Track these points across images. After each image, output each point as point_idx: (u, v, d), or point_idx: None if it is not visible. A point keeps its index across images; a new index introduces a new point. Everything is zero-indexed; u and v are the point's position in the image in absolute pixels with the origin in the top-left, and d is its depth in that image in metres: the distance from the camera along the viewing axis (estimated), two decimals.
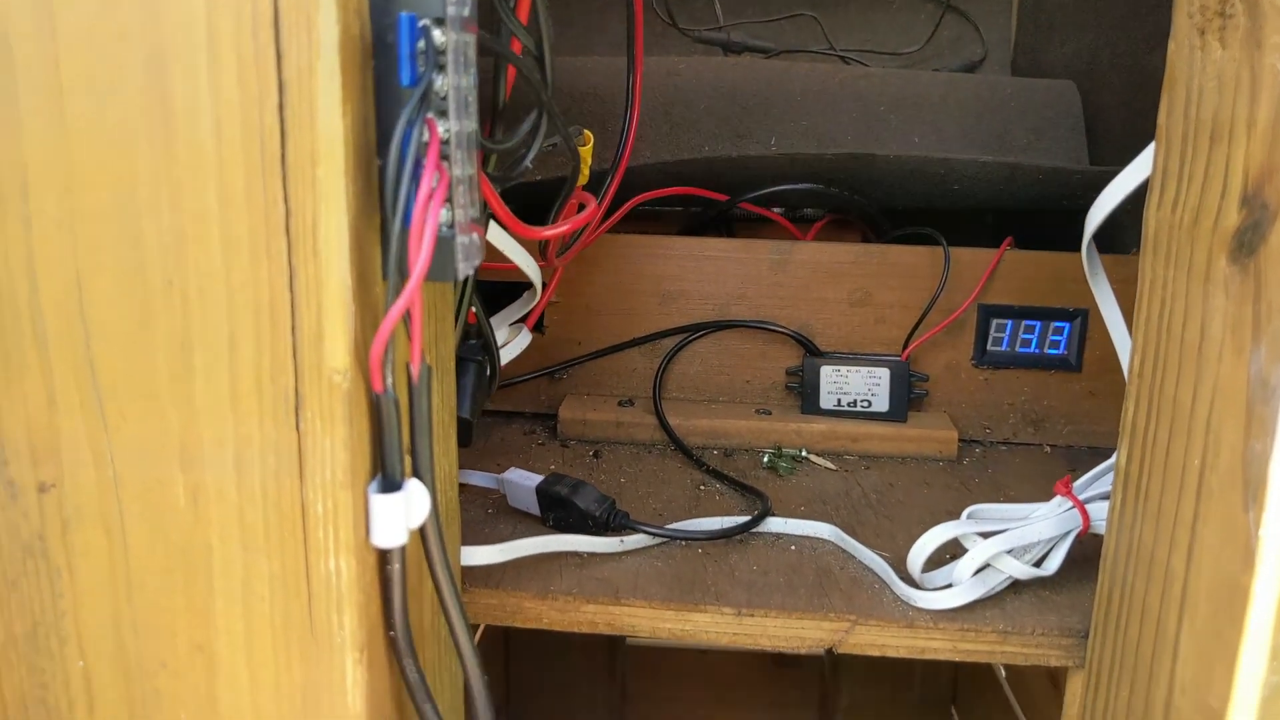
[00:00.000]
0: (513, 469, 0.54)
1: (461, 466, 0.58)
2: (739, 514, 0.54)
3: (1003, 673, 0.85)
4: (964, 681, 0.96)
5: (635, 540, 0.51)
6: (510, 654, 1.00)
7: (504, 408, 0.68)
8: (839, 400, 0.66)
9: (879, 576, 0.49)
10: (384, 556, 0.33)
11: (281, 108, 0.29)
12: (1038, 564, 0.47)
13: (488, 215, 0.41)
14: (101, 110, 0.29)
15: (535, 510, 0.53)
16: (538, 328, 0.67)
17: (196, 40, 0.28)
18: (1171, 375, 0.37)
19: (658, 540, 0.51)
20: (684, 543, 0.52)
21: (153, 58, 0.29)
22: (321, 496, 0.31)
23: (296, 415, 0.31)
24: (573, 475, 0.53)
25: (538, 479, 0.53)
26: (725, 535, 0.52)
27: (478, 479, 0.56)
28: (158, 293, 0.30)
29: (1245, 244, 0.32)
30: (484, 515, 0.55)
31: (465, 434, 0.46)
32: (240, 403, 0.31)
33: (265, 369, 0.30)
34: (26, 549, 0.32)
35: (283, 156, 0.29)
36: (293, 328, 0.30)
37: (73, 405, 0.31)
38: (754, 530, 0.53)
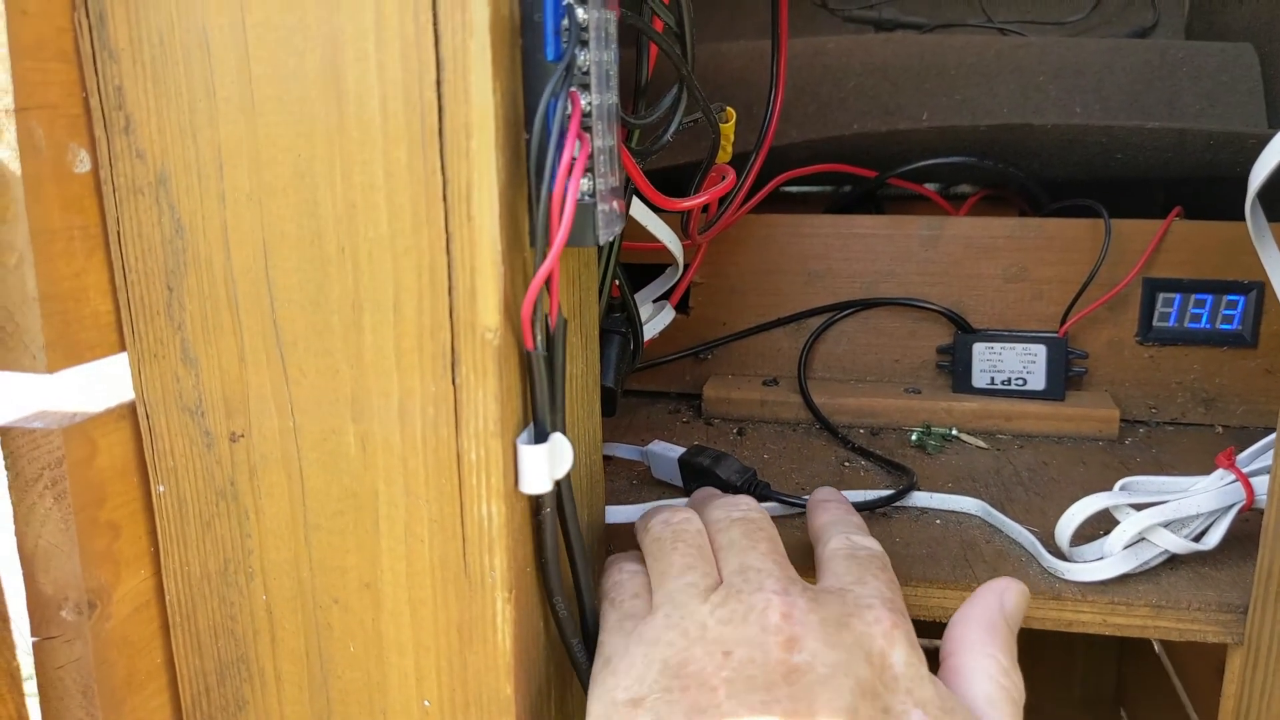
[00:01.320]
0: (656, 441, 0.58)
1: (608, 440, 0.62)
2: (883, 490, 0.55)
3: (1169, 665, 0.83)
4: (1130, 678, 0.94)
5: (768, 509, 0.53)
6: None
7: (650, 387, 0.71)
8: (992, 379, 0.67)
9: (1026, 551, 0.50)
10: (537, 502, 0.37)
11: (439, 84, 0.32)
12: (1197, 539, 0.47)
13: (630, 189, 0.44)
14: (284, 93, 0.33)
15: (678, 481, 0.56)
16: (683, 308, 0.70)
17: (365, 24, 0.32)
18: None
19: (792, 511, 0.53)
20: None
21: (328, 42, 0.33)
22: (475, 445, 0.35)
23: (453, 370, 0.34)
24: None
25: (680, 450, 0.55)
26: (868, 508, 0.53)
27: (623, 451, 0.59)
28: (332, 258, 0.34)
29: None
30: (628, 486, 0.58)
31: (610, 403, 0.49)
32: (403, 358, 0.35)
33: (426, 327, 0.34)
34: (220, 493, 0.37)
35: (440, 130, 0.33)
36: (449, 288, 0.34)
37: (260, 361, 0.36)
38: (899, 505, 0.54)
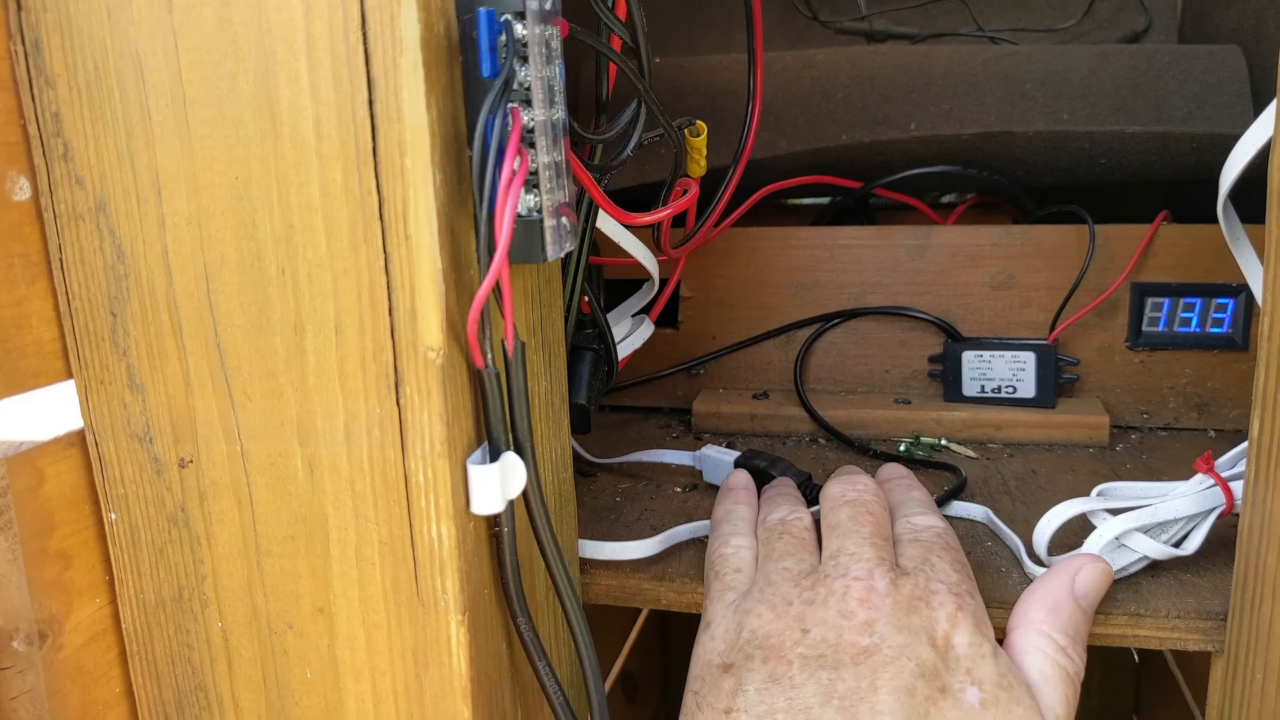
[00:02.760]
0: (709, 445, 0.57)
1: (597, 457, 0.60)
2: None
3: (1181, 679, 0.80)
4: (1146, 691, 0.91)
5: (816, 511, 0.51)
6: (669, 652, 1.01)
7: (641, 403, 0.70)
8: (982, 387, 0.64)
9: (1008, 560, 0.48)
10: (493, 520, 0.35)
11: (371, 103, 0.31)
12: (1176, 545, 0.45)
13: (593, 207, 0.43)
14: (219, 116, 0.32)
15: None
16: (672, 322, 0.68)
17: (296, 45, 0.31)
18: None
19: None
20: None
21: (260, 64, 0.32)
22: (422, 467, 0.33)
23: (396, 391, 0.33)
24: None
25: (734, 454, 0.54)
26: None
27: (673, 456, 0.58)
28: (273, 281, 0.33)
29: None
30: (680, 492, 0.57)
31: (583, 420, 0.47)
32: (347, 380, 0.33)
33: (368, 348, 0.33)
34: (171, 519, 0.36)
35: (374, 149, 0.31)
36: (390, 309, 0.32)
37: (205, 387, 0.34)
38: None
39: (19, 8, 0.33)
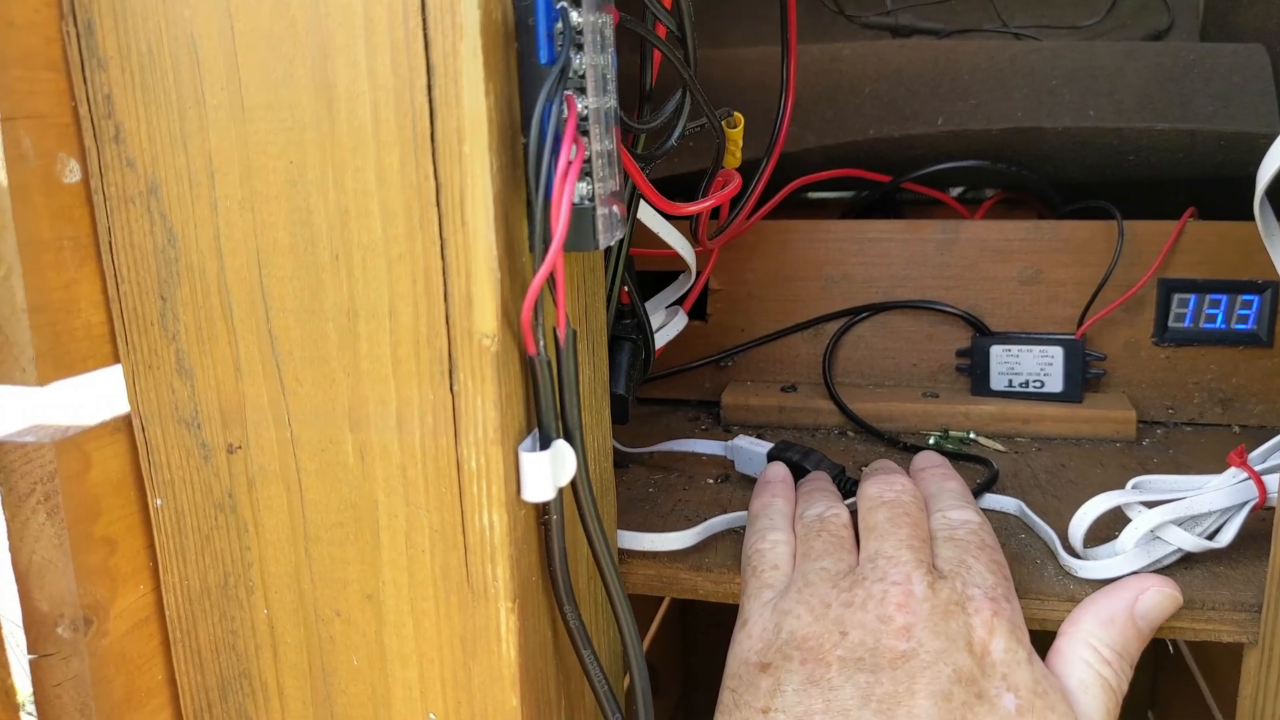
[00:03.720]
0: (741, 436, 0.56)
1: (628, 446, 0.59)
2: None
3: (1198, 673, 0.79)
4: (1163, 685, 0.90)
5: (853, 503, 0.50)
6: (690, 646, 1.00)
7: (670, 395, 0.69)
8: (1010, 381, 0.63)
9: (1042, 553, 0.47)
10: (542, 508, 0.35)
11: (430, 89, 0.30)
12: (1210, 537, 0.44)
13: (636, 194, 0.42)
14: (275, 100, 0.31)
15: None
16: (701, 315, 0.67)
17: (355, 30, 0.30)
18: None
19: None
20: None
21: (318, 49, 0.31)
22: (475, 454, 0.33)
23: (450, 377, 0.32)
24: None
25: (767, 445, 0.54)
26: None
27: (705, 446, 0.57)
28: (326, 266, 0.32)
29: None
30: (713, 483, 0.56)
31: (621, 410, 0.47)
32: (400, 366, 0.32)
33: (422, 334, 0.32)
34: (218, 505, 0.35)
35: (432, 135, 0.31)
36: (445, 295, 0.32)
37: (256, 372, 0.34)
38: None
39: None
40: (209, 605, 0.36)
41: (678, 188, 0.71)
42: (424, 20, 0.30)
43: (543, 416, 0.34)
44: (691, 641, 0.99)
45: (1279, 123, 0.71)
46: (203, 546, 0.35)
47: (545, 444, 0.34)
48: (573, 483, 0.35)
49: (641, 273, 0.61)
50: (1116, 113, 0.72)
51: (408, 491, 0.33)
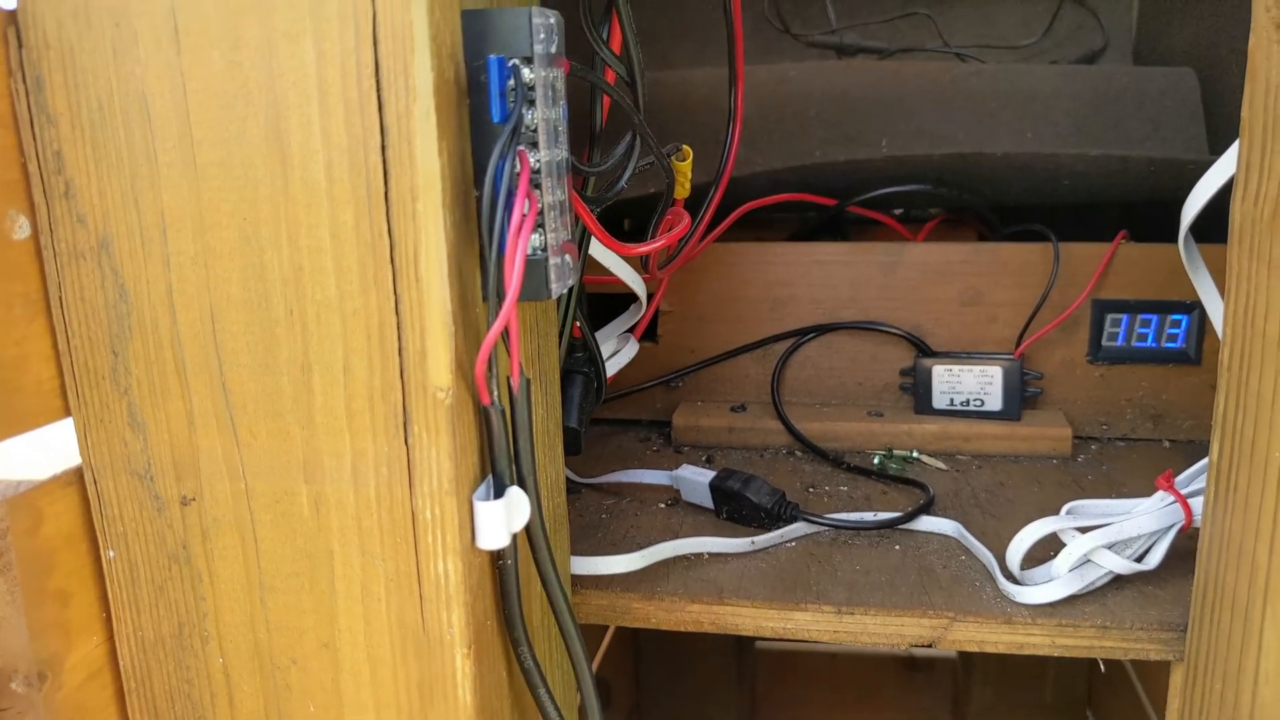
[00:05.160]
0: (685, 465, 0.57)
1: (579, 474, 0.60)
2: (846, 513, 0.54)
3: (1133, 672, 0.82)
4: (1098, 683, 0.93)
5: (766, 539, 0.51)
6: (640, 659, 1.01)
7: (621, 416, 0.69)
8: (951, 400, 0.65)
9: (981, 574, 0.48)
10: (497, 554, 0.35)
11: (384, 149, 0.30)
12: (1139, 559, 0.46)
13: (586, 235, 0.43)
14: (228, 158, 0.31)
15: (709, 504, 0.54)
16: (651, 336, 0.68)
17: (308, 91, 0.30)
18: (1255, 368, 0.36)
19: (818, 530, 0.52)
20: (792, 544, 0.52)
21: (271, 108, 0.31)
22: (429, 504, 0.33)
23: (405, 430, 0.32)
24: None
25: (710, 474, 0.54)
26: (889, 525, 0.53)
27: (651, 477, 0.58)
28: (280, 321, 0.32)
29: None
30: (661, 509, 0.56)
31: (574, 442, 0.47)
32: (355, 419, 0.33)
33: (376, 388, 0.32)
34: (172, 556, 0.35)
35: (386, 193, 0.31)
36: (399, 349, 0.32)
37: (209, 425, 0.33)
38: (860, 530, 0.53)
39: (20, 44, 0.31)
40: (164, 655, 0.36)
41: (625, 210, 0.71)
42: (377, 82, 0.30)
43: (496, 464, 0.34)
44: (642, 653, 1.00)
45: (1206, 146, 0.73)
46: (156, 597, 0.35)
47: (499, 491, 0.34)
48: (527, 526, 0.35)
49: (591, 296, 0.61)
50: (1053, 136, 0.74)
51: (363, 541, 0.34)
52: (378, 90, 0.30)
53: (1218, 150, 0.73)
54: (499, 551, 0.35)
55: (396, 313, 0.32)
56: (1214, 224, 0.46)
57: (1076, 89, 0.75)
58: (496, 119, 0.32)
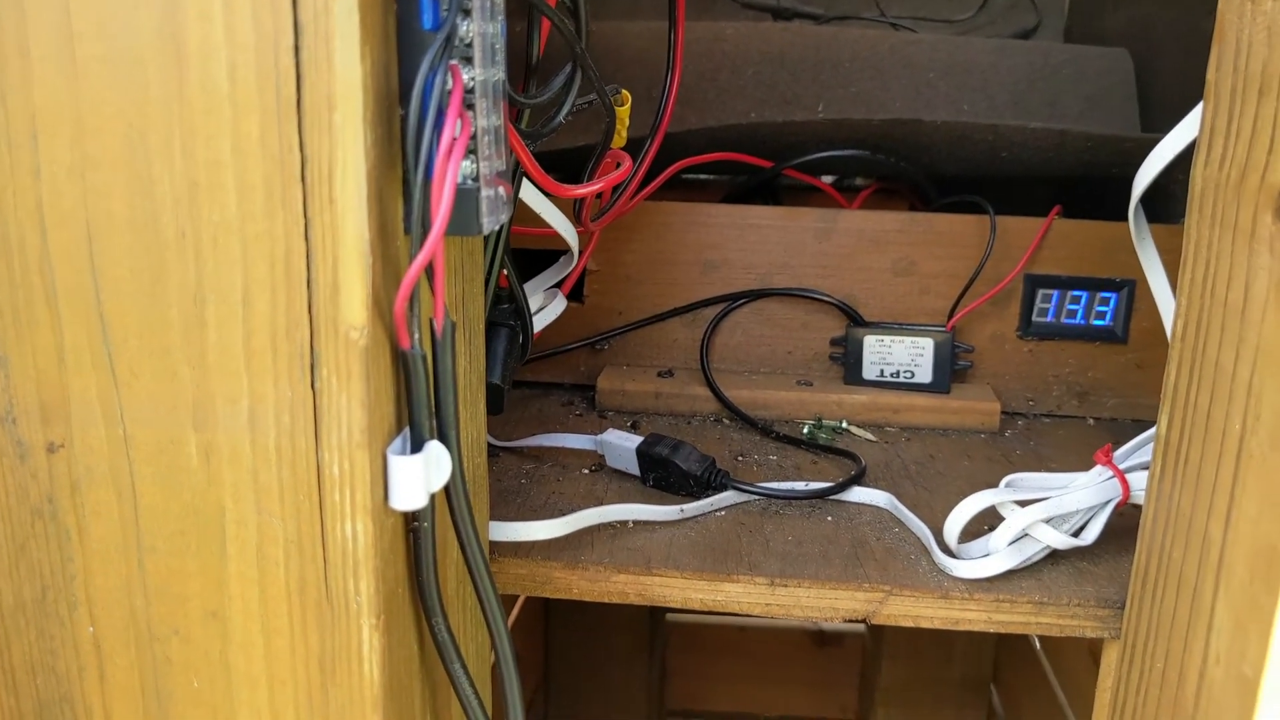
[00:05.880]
0: (611, 430, 0.53)
1: (498, 436, 0.56)
2: (774, 482, 0.51)
3: (1039, 647, 0.82)
4: (1004, 659, 0.93)
5: (695, 507, 0.49)
6: (550, 628, 0.98)
7: (543, 378, 0.66)
8: (882, 371, 0.63)
9: (915, 547, 0.47)
10: (412, 515, 0.31)
11: (297, 50, 0.26)
12: (1076, 534, 0.45)
13: (519, 173, 0.39)
14: (113, 53, 0.27)
15: (635, 470, 0.52)
16: (577, 297, 0.64)
17: None
18: (1214, 338, 0.35)
19: (747, 499, 0.50)
20: (721, 513, 0.49)
21: None
22: (337, 458, 0.29)
23: (312, 373, 0.29)
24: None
25: (637, 440, 0.51)
26: (821, 495, 0.51)
27: (574, 441, 0.54)
28: (170, 244, 0.28)
29: None
30: (585, 474, 0.53)
31: (496, 401, 0.44)
32: (254, 359, 0.29)
33: (280, 324, 0.28)
34: (35, 511, 0.30)
35: (298, 101, 0.27)
36: (308, 281, 0.28)
37: (83, 362, 0.29)
38: (792, 500, 0.50)
39: None
40: (24, 622, 0.31)
41: (555, 161, 0.67)
42: None
43: (415, 415, 0.31)
44: (551, 622, 0.97)
45: (1139, 126, 0.73)
46: (17, 557, 0.31)
47: (417, 446, 0.31)
48: (446, 486, 0.32)
49: (516, 251, 0.58)
50: (990, 108, 0.72)
51: (260, 498, 0.30)
52: None
53: (1150, 130, 0.73)
54: (414, 513, 0.32)
55: (306, 239, 0.28)
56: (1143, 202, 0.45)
57: (1014, 63, 0.74)
58: (427, 26, 0.28)
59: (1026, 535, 0.45)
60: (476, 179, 0.30)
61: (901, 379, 0.63)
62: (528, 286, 0.50)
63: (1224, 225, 0.34)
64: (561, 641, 0.99)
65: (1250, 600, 0.31)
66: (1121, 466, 0.45)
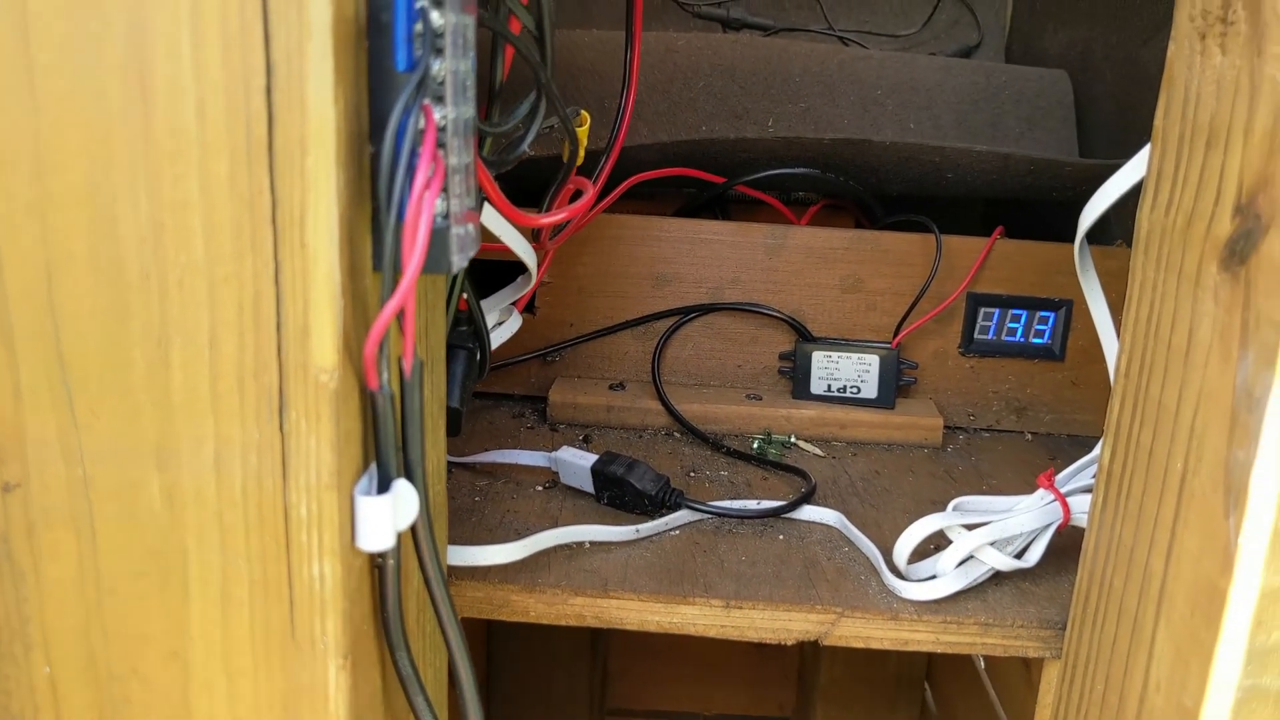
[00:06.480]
0: (565, 447, 0.53)
1: (450, 452, 0.56)
2: (728, 500, 0.52)
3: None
4: (938, 660, 0.95)
5: (650, 527, 0.49)
6: (491, 628, 0.98)
7: (493, 390, 0.65)
8: (829, 386, 0.64)
9: (865, 567, 0.47)
10: (377, 553, 0.31)
11: (269, 90, 0.26)
12: (1019, 555, 0.46)
13: (482, 200, 0.39)
14: (76, 89, 0.26)
15: (589, 488, 0.51)
16: (529, 308, 0.64)
17: (179, 13, 0.25)
18: (1158, 378, 0.35)
19: (702, 517, 0.50)
20: (676, 533, 0.50)
21: (133, 31, 0.26)
22: (305, 499, 0.29)
23: (280, 415, 0.28)
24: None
25: (592, 458, 0.51)
26: (773, 514, 0.51)
27: (528, 458, 0.54)
28: (134, 285, 0.27)
29: (1236, 252, 0.31)
30: (539, 492, 0.53)
31: (455, 423, 0.43)
32: (221, 401, 0.28)
33: (248, 366, 0.28)
34: None
35: (270, 143, 0.26)
36: (278, 324, 0.28)
37: (40, 400, 0.28)
38: (744, 519, 0.51)
39: None
40: None
41: (509, 176, 0.67)
42: (265, 12, 0.25)
43: (382, 454, 0.30)
44: (493, 627, 0.97)
45: (1076, 147, 0.75)
46: None
47: (384, 485, 0.31)
48: (412, 524, 0.32)
49: (471, 264, 0.57)
50: (934, 127, 0.74)
51: (225, 539, 0.29)
52: (265, 21, 0.25)
53: (1086, 152, 0.75)
54: (380, 551, 0.31)
55: (276, 282, 0.27)
56: (1070, 225, 0.46)
57: (958, 83, 0.75)
58: (401, 67, 0.28)
59: (972, 557, 0.46)
60: (448, 216, 0.30)
61: (848, 394, 0.64)
62: (485, 304, 0.50)
63: (1169, 269, 0.35)
64: (503, 642, 0.99)
65: (1191, 634, 0.32)
66: (1063, 490, 0.47)
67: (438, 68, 0.29)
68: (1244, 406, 0.30)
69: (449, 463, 0.55)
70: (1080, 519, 0.46)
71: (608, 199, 0.59)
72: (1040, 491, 0.47)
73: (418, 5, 0.28)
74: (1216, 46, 0.33)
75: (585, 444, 0.59)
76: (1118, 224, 0.69)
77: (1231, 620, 0.30)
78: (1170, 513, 0.34)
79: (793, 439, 0.62)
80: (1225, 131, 0.32)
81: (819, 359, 0.64)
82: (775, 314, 0.64)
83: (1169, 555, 0.34)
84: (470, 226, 0.32)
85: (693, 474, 0.56)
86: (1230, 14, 0.32)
